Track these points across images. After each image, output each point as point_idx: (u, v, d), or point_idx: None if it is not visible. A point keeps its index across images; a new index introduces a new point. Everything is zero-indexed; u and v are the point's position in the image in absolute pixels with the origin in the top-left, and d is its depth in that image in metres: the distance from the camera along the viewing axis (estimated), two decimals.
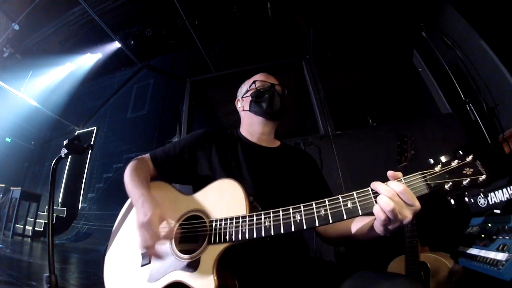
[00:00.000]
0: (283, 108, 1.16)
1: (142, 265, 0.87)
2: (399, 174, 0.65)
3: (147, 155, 1.08)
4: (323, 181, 1.15)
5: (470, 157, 0.62)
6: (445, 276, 1.30)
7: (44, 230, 4.65)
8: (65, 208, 5.25)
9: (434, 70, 2.73)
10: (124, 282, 0.88)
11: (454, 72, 2.54)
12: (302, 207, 0.70)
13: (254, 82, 1.19)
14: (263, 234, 0.71)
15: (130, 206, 1.01)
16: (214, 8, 4.59)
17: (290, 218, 0.70)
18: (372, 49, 3.09)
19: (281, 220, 0.71)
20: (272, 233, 0.70)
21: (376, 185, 0.64)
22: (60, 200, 5.47)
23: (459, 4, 2.75)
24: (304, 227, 0.68)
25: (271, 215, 0.72)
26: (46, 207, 2.56)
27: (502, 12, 2.37)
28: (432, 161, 0.64)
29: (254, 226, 0.73)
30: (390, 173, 0.65)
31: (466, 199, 1.53)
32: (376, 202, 0.63)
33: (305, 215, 0.69)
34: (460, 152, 0.63)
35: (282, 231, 0.70)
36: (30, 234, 4.51)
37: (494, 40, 2.44)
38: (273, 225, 0.71)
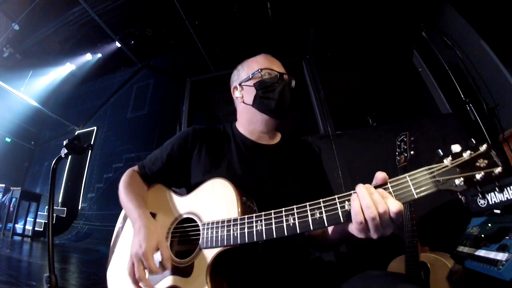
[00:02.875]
0: (292, 104, 1.01)
1: None
2: (385, 176, 0.60)
3: (136, 168, 1.04)
4: (323, 178, 1.07)
5: (485, 146, 0.54)
6: (445, 276, 1.30)
7: (44, 230, 4.65)
8: (65, 208, 5.24)
9: (434, 70, 2.73)
10: None
11: (454, 72, 2.54)
12: (295, 209, 0.66)
13: (259, 70, 1.01)
14: (255, 239, 0.69)
15: (126, 216, 0.99)
16: (214, 8, 4.59)
17: (282, 221, 0.66)
18: (372, 49, 3.09)
19: (273, 224, 0.67)
20: (264, 238, 0.67)
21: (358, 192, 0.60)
22: (60, 200, 5.47)
23: (459, 4, 2.75)
24: (298, 231, 0.64)
25: (263, 218, 0.69)
26: (46, 207, 2.56)
27: (502, 12, 2.37)
28: (441, 152, 0.57)
29: (246, 230, 0.70)
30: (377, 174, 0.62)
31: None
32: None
33: (298, 218, 0.64)
34: (473, 140, 0.56)
35: (274, 236, 0.66)
36: (30, 234, 4.51)
37: (494, 40, 2.44)
38: (265, 229, 0.68)
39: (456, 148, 0.56)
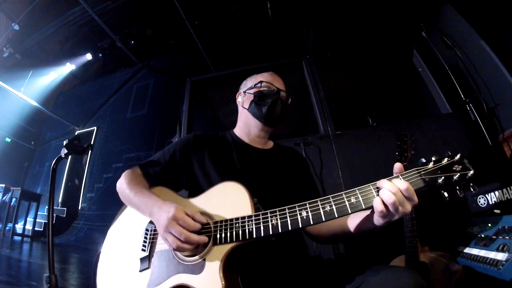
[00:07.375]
0: (282, 116, 1.15)
1: (141, 270, 0.85)
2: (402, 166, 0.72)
3: (137, 168, 1.04)
4: (311, 182, 1.18)
5: (458, 156, 0.69)
6: (445, 276, 1.30)
7: (44, 230, 4.65)
8: (65, 208, 5.24)
9: (434, 70, 2.72)
10: None
11: (454, 72, 2.54)
12: (307, 204, 0.72)
13: (260, 82, 1.15)
14: (270, 232, 0.72)
15: (125, 214, 0.99)
16: (214, 8, 4.60)
17: (296, 215, 0.72)
18: (372, 49, 3.09)
19: (288, 217, 0.72)
20: (280, 231, 0.71)
21: (382, 183, 0.68)
22: (60, 200, 5.47)
23: (459, 4, 2.75)
24: (311, 223, 0.70)
25: (278, 213, 0.74)
26: (46, 207, 2.56)
27: (502, 12, 2.37)
28: (424, 160, 0.71)
29: (261, 224, 0.74)
30: (396, 165, 0.72)
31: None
32: (377, 195, 0.68)
33: (311, 211, 0.71)
34: (449, 152, 0.70)
35: (289, 228, 0.71)
36: (30, 234, 4.51)
37: (494, 40, 2.44)
38: (281, 222, 0.72)
39: (435, 157, 0.70)
